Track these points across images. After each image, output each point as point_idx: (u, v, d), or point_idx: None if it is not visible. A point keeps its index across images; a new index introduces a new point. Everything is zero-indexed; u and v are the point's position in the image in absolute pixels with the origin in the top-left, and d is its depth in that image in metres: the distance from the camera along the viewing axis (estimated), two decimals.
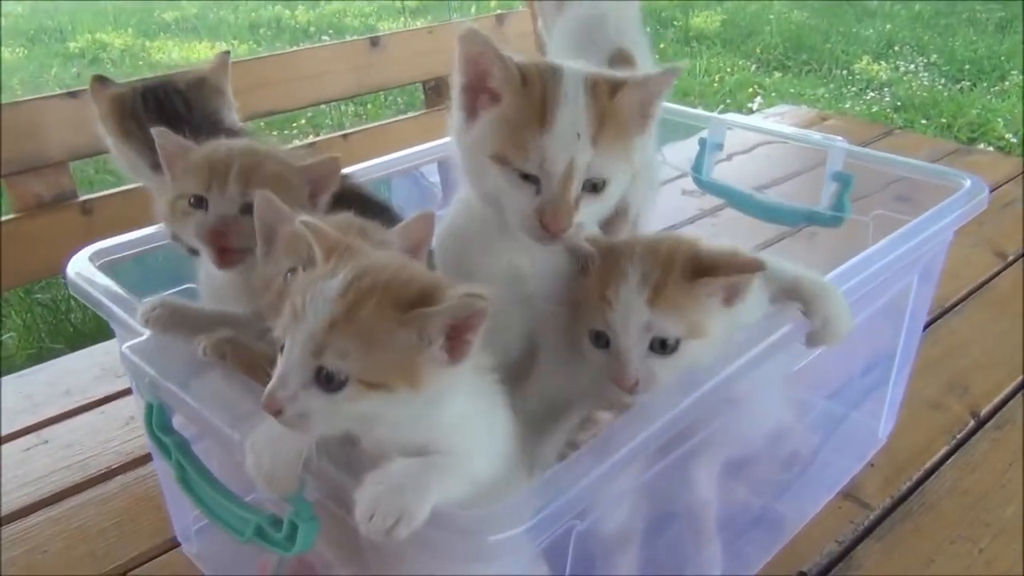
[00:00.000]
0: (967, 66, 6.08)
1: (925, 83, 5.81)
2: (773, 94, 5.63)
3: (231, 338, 0.77)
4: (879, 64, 6.21)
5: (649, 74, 0.81)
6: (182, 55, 6.36)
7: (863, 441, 1.30)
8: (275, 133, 4.65)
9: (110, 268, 0.99)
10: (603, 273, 0.79)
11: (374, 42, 2.34)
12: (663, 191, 1.43)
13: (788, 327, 0.84)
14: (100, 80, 1.16)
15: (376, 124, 2.46)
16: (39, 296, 3.07)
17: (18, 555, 1.13)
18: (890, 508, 1.21)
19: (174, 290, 1.06)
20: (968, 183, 1.14)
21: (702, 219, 1.89)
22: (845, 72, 6.09)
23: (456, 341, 0.62)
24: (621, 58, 1.21)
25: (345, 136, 2.30)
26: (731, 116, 1.53)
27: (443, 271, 0.87)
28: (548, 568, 0.72)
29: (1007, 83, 5.75)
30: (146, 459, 1.28)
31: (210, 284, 0.94)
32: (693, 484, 0.92)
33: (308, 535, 0.69)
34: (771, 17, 7.35)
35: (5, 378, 1.48)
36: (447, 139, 1.30)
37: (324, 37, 6.85)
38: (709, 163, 1.41)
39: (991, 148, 4.63)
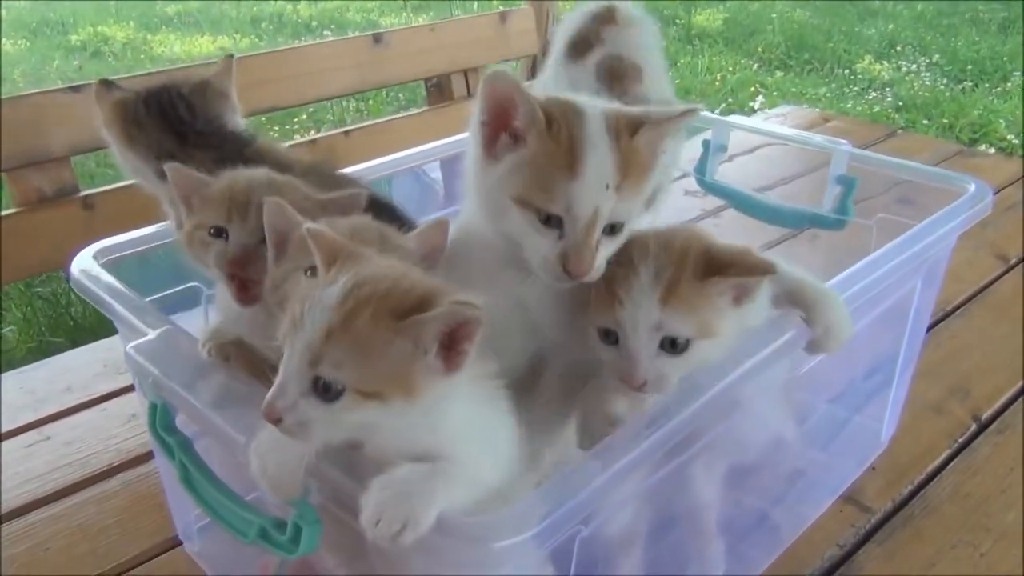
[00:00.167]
0: (969, 66, 6.07)
1: (927, 83, 5.81)
2: (775, 93, 5.63)
3: (236, 340, 0.77)
4: (881, 64, 6.20)
5: (668, 113, 0.81)
6: (184, 49, 6.35)
7: (865, 445, 1.30)
8: (276, 128, 4.65)
9: (113, 266, 0.99)
10: (613, 267, 0.78)
11: (377, 39, 2.34)
12: None
13: (790, 334, 0.84)
14: (105, 84, 1.15)
15: (378, 121, 2.45)
16: (39, 290, 3.07)
17: (19, 552, 1.13)
18: (891, 512, 1.21)
19: (177, 288, 1.07)
20: (972, 188, 1.14)
21: (704, 220, 1.88)
22: (847, 72, 6.09)
23: (452, 351, 0.62)
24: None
25: (347, 133, 2.29)
26: (735, 118, 1.53)
27: None
28: (553, 569, 0.72)
29: (1009, 84, 5.75)
30: (147, 457, 1.28)
31: (230, 307, 0.93)
32: (694, 488, 0.92)
33: (312, 538, 0.69)
34: (773, 16, 7.34)
35: (6, 374, 1.48)
36: (449, 139, 1.32)
37: (326, 32, 6.84)
38: (713, 164, 1.41)
39: (992, 149, 4.63)
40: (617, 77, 1.20)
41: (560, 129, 0.77)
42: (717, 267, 0.75)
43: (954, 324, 1.65)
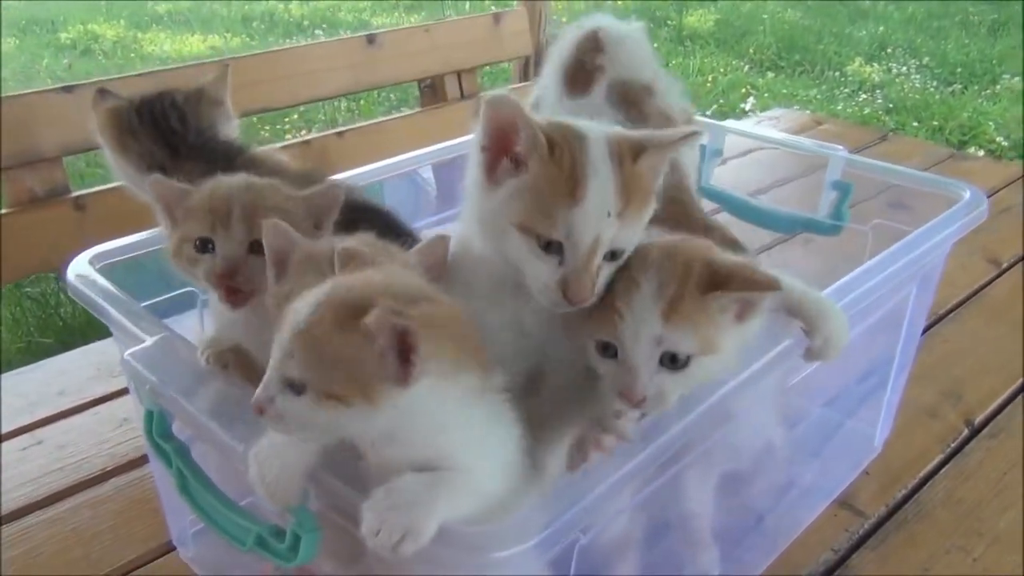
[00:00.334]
0: (959, 69, 6.11)
1: (917, 85, 5.84)
2: (766, 95, 5.65)
3: (234, 347, 0.77)
4: (871, 66, 6.23)
5: (672, 136, 0.81)
6: (174, 48, 6.33)
7: (859, 449, 1.31)
8: (267, 129, 4.64)
9: (108, 271, 0.98)
10: (614, 279, 0.77)
11: (370, 39, 2.34)
12: None
13: (787, 342, 0.84)
14: (101, 93, 1.15)
15: (371, 122, 2.45)
16: (29, 290, 3.05)
17: (13, 556, 1.12)
18: (885, 517, 1.21)
19: (172, 294, 1.06)
20: (968, 194, 1.15)
21: None
22: (837, 73, 6.11)
23: (403, 361, 0.61)
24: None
25: (340, 134, 2.29)
26: (730, 123, 1.54)
27: None
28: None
29: (998, 86, 5.78)
30: (141, 461, 1.27)
31: (222, 313, 0.93)
32: (686, 496, 0.92)
33: (311, 546, 0.69)
34: (764, 17, 7.36)
35: None
36: (442, 143, 1.32)
37: (318, 32, 6.83)
38: (708, 169, 1.42)
39: (982, 151, 4.65)
40: (631, 102, 1.19)
41: (562, 154, 0.77)
42: (720, 281, 0.74)
43: (947, 328, 1.66)
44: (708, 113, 4.96)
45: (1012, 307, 1.73)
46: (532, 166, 0.77)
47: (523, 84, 2.75)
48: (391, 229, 0.94)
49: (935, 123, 5.12)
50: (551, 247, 0.76)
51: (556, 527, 0.62)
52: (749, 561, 1.11)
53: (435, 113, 2.47)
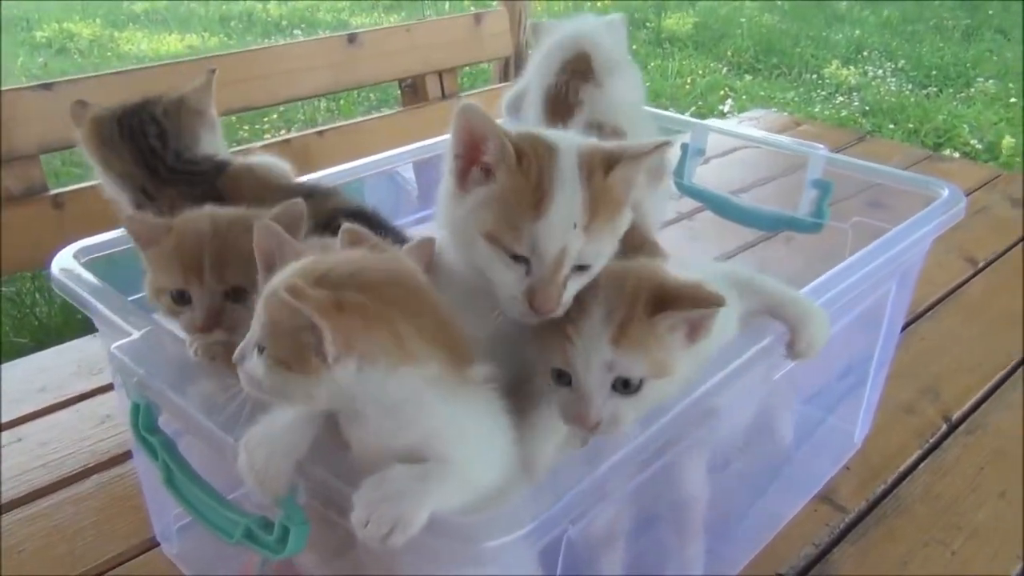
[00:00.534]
0: (934, 72, 6.17)
1: (893, 88, 5.90)
2: (744, 97, 5.68)
3: (223, 340, 0.77)
4: (848, 69, 6.28)
5: (644, 147, 0.81)
6: (151, 47, 6.29)
7: (839, 445, 1.32)
8: (246, 128, 4.62)
9: (91, 266, 0.98)
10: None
11: (351, 39, 2.33)
12: None
13: (769, 339, 0.85)
14: (80, 104, 1.12)
15: (352, 122, 2.45)
16: (4, 290, 3.02)
17: None
18: (865, 511, 1.23)
19: None
20: (946, 192, 1.16)
21: (681, 222, 1.90)
22: (815, 76, 6.16)
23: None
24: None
25: (320, 133, 2.29)
26: (713, 122, 1.55)
27: None
28: (540, 568, 0.72)
29: (972, 90, 5.85)
30: (123, 458, 1.27)
31: None
32: (683, 482, 0.93)
33: (299, 538, 0.68)
34: (742, 20, 7.41)
35: None
36: (423, 141, 1.32)
37: (296, 31, 6.80)
38: (691, 168, 1.43)
39: (957, 154, 4.70)
40: None
41: (530, 165, 0.77)
42: (667, 302, 0.74)
43: (925, 326, 1.68)
44: (687, 115, 4.98)
45: (988, 306, 1.76)
46: (500, 176, 0.78)
47: (503, 84, 2.75)
48: (378, 229, 0.94)
49: (911, 126, 5.18)
50: (518, 257, 0.77)
51: (545, 517, 0.62)
52: (732, 555, 1.12)
53: (416, 113, 2.47)
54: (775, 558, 1.14)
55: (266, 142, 2.26)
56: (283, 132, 4.46)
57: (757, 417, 1.02)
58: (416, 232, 1.01)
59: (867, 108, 5.51)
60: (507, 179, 0.77)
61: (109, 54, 6.14)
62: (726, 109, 5.39)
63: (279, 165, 1.15)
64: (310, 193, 1.02)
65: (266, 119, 4.77)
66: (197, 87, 1.13)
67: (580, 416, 0.73)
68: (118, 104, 1.11)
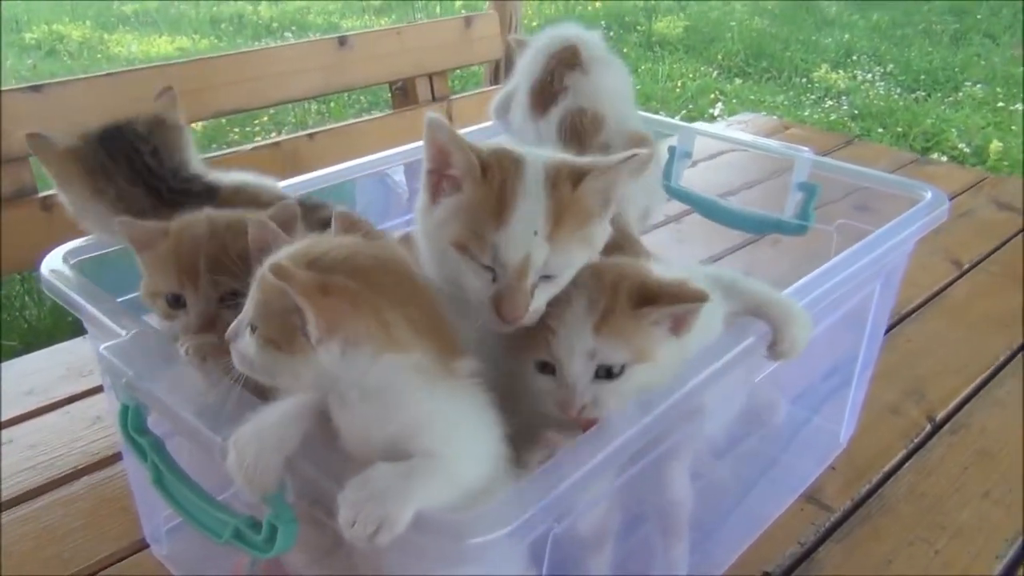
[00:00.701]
0: (922, 76, 6.20)
1: (882, 92, 5.92)
2: (734, 100, 5.71)
3: (214, 342, 0.77)
4: (837, 73, 6.31)
5: (612, 161, 0.82)
6: (141, 49, 6.27)
7: (825, 445, 1.33)
8: (236, 130, 4.61)
9: (80, 267, 0.98)
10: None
11: (342, 41, 2.34)
12: None
13: (751, 339, 0.86)
14: (38, 138, 1.03)
15: (342, 124, 2.45)
16: None
17: None
18: (850, 511, 1.24)
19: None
20: (929, 195, 1.18)
21: (668, 224, 1.91)
22: (804, 80, 6.19)
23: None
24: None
25: (311, 136, 2.29)
26: (701, 125, 1.56)
27: None
28: (532, 565, 0.73)
29: (960, 94, 5.88)
30: (112, 459, 1.27)
31: None
32: (667, 487, 0.94)
33: (288, 537, 0.69)
34: (732, 24, 7.44)
35: None
36: (414, 143, 1.33)
37: (287, 34, 6.80)
38: (678, 170, 1.44)
39: (945, 157, 4.73)
40: (577, 135, 1.21)
41: (494, 177, 0.79)
42: (650, 297, 0.76)
43: (909, 328, 1.69)
44: (677, 118, 5.00)
45: (972, 307, 1.77)
46: (466, 187, 0.80)
47: (494, 87, 2.76)
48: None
49: (899, 129, 5.20)
50: (485, 265, 0.78)
51: (531, 514, 0.63)
52: (718, 554, 1.13)
53: (406, 115, 2.47)
54: (761, 557, 1.14)
55: (256, 144, 2.25)
56: (273, 134, 4.46)
57: (742, 415, 1.03)
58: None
59: (856, 112, 5.53)
60: (473, 190, 0.80)
61: (99, 56, 6.12)
62: (716, 112, 5.41)
63: (263, 182, 1.12)
64: (300, 205, 1.02)
65: (256, 121, 4.77)
66: (165, 104, 1.09)
67: (564, 403, 0.75)
68: (84, 131, 1.05)
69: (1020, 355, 1.61)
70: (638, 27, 7.42)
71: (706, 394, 0.80)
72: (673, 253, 1.74)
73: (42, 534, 1.15)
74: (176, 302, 0.86)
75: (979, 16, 7.60)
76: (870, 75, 6.26)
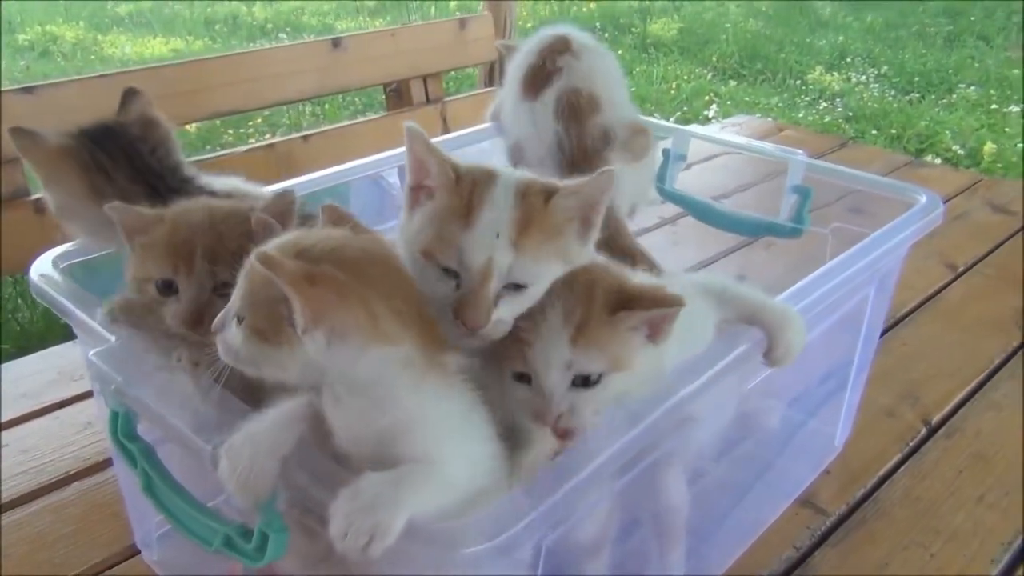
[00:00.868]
0: (916, 78, 6.21)
1: (876, 94, 5.93)
2: (728, 102, 5.71)
3: (209, 351, 0.77)
4: (831, 75, 6.32)
5: (583, 181, 0.82)
6: (136, 50, 6.26)
7: (820, 449, 1.33)
8: (230, 132, 4.61)
9: (70, 272, 0.98)
10: (520, 317, 0.79)
11: (336, 43, 2.33)
12: None
13: (745, 347, 0.86)
14: (23, 133, 1.02)
15: (336, 126, 2.45)
16: None
17: None
18: (845, 515, 1.23)
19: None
20: (924, 198, 1.17)
21: (663, 227, 1.91)
22: (799, 82, 6.20)
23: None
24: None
25: (305, 138, 2.28)
26: (695, 128, 1.56)
27: None
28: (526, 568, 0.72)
29: (954, 96, 5.90)
30: (104, 465, 1.26)
31: None
32: (663, 493, 0.93)
33: (279, 545, 0.69)
34: (727, 26, 7.45)
35: None
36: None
37: (282, 35, 6.80)
38: (672, 173, 1.44)
39: (939, 160, 4.74)
40: (575, 112, 1.21)
41: (466, 186, 0.80)
42: (625, 302, 0.75)
43: (905, 331, 1.69)
44: (672, 120, 5.01)
45: (967, 311, 1.77)
46: (439, 195, 0.81)
47: (488, 89, 2.76)
48: None
49: (893, 131, 5.21)
50: (450, 272, 0.79)
51: (524, 525, 0.62)
52: (713, 558, 1.13)
53: (401, 117, 2.45)
54: (756, 561, 1.14)
55: (251, 146, 2.25)
56: (268, 136, 4.45)
57: (737, 419, 1.02)
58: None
59: (850, 114, 5.54)
60: (445, 197, 0.81)
61: (93, 57, 6.11)
62: (711, 114, 5.42)
63: (253, 189, 1.10)
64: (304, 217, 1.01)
65: (251, 123, 4.76)
66: (144, 104, 1.07)
67: (540, 413, 0.75)
68: (74, 129, 1.03)
69: (1015, 358, 1.61)
70: (633, 29, 7.42)
71: (699, 402, 0.80)
72: (667, 256, 1.73)
73: (34, 539, 1.14)
74: (167, 288, 0.84)
75: (973, 18, 7.61)
76: (864, 77, 6.27)
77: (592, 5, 7.96)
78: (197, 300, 0.83)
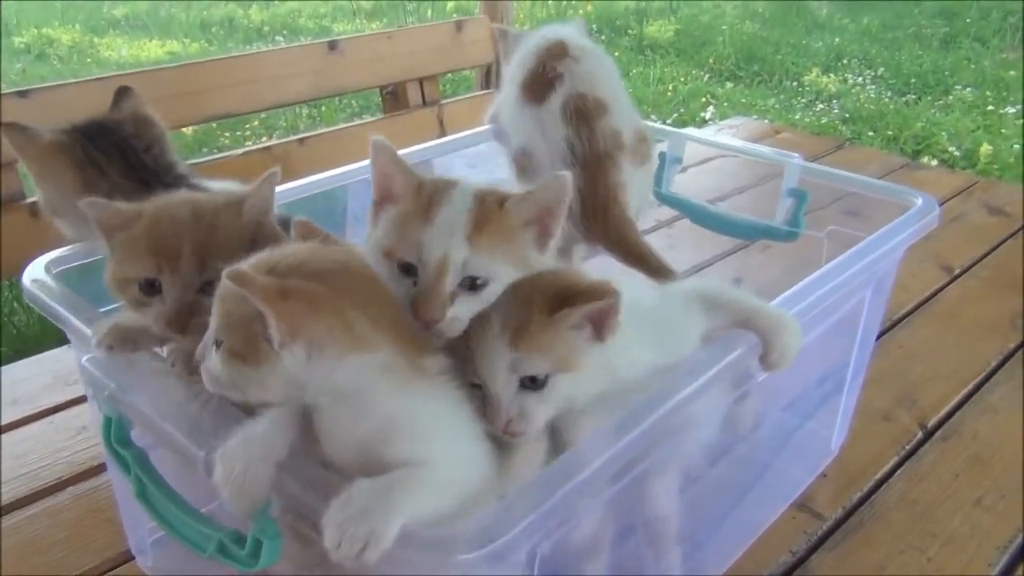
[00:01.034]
0: (912, 80, 6.23)
1: (872, 96, 5.94)
2: (725, 104, 5.72)
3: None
4: (828, 76, 6.33)
5: (536, 186, 0.85)
6: (132, 53, 6.26)
7: (816, 452, 1.33)
8: (227, 135, 4.60)
9: (63, 277, 0.97)
10: (472, 323, 0.80)
11: (332, 46, 2.33)
12: None
13: (738, 351, 0.85)
14: (16, 128, 0.99)
15: (333, 129, 2.44)
16: None
17: None
18: (842, 518, 1.23)
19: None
20: (920, 201, 1.17)
21: (659, 230, 1.91)
22: (795, 84, 6.21)
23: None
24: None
25: (302, 141, 2.28)
26: (691, 131, 1.56)
27: None
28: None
29: (951, 97, 5.91)
30: (98, 470, 1.26)
31: None
32: (651, 500, 0.93)
33: (272, 552, 0.68)
34: (724, 28, 7.46)
35: None
36: (405, 150, 1.32)
37: (278, 38, 6.79)
38: (668, 176, 1.43)
39: (935, 161, 4.75)
40: (584, 116, 1.22)
41: (427, 191, 0.84)
42: (564, 300, 0.76)
43: (901, 334, 1.69)
44: (669, 122, 5.02)
45: (963, 313, 1.77)
46: (402, 202, 0.84)
47: (485, 91, 2.76)
48: None
49: (890, 133, 5.22)
50: (409, 270, 0.81)
51: (520, 530, 0.62)
52: (710, 562, 1.13)
53: (397, 120, 2.47)
54: (753, 566, 1.14)
55: (247, 149, 2.24)
56: (264, 139, 4.45)
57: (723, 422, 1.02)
58: None
59: (847, 115, 5.55)
60: (407, 201, 0.84)
61: (89, 60, 6.11)
62: (707, 116, 5.42)
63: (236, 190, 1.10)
64: (284, 221, 1.01)
65: (247, 126, 4.76)
66: (135, 102, 1.07)
67: (490, 417, 0.76)
68: (64, 126, 1.03)
69: (1011, 360, 1.61)
70: (629, 31, 7.43)
71: (691, 409, 0.79)
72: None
73: (28, 544, 1.14)
74: (151, 288, 0.81)
75: (968, 20, 7.63)
76: (860, 78, 6.28)
77: (589, 7, 7.96)
78: (182, 299, 0.81)
